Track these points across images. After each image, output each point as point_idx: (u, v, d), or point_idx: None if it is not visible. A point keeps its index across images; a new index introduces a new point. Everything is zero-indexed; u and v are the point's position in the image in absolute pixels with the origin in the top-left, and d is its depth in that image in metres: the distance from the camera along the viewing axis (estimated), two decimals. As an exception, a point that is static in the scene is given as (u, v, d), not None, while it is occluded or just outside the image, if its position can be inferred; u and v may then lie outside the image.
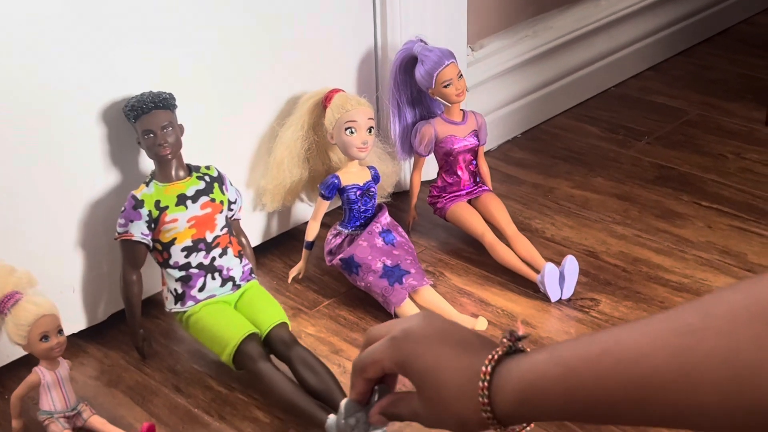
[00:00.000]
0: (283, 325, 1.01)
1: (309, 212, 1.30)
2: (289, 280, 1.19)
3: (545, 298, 1.14)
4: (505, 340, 0.68)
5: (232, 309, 1.03)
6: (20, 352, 1.03)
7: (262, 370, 0.95)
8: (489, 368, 0.65)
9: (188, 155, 1.05)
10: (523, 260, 1.18)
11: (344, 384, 0.95)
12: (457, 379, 0.66)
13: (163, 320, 1.14)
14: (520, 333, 0.69)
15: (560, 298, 1.14)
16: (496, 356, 0.66)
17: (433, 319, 0.70)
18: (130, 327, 1.05)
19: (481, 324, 1.04)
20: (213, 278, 1.03)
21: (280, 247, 1.29)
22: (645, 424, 0.64)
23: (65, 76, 1.00)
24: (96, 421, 0.94)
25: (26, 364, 1.05)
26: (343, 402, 0.67)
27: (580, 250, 1.25)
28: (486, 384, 0.65)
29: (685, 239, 1.26)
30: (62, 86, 1.00)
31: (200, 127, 1.09)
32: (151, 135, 0.99)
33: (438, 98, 1.22)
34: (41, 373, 0.92)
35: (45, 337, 0.91)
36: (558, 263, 1.14)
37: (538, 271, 1.16)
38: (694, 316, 0.60)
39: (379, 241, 1.14)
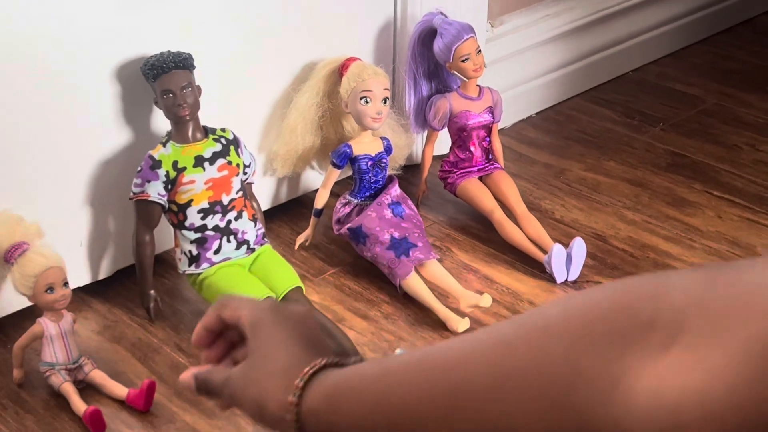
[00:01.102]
0: (298, 289, 1.02)
1: (319, 180, 1.30)
2: (296, 247, 1.19)
3: (551, 278, 1.14)
4: (354, 359, 0.68)
5: (247, 272, 1.03)
6: (24, 303, 1.03)
7: (274, 334, 0.95)
8: (314, 369, 0.65)
9: (202, 117, 1.04)
10: (531, 240, 1.18)
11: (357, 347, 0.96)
12: (286, 363, 0.67)
13: (168, 279, 1.14)
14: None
15: (566, 280, 1.14)
16: (326, 362, 0.66)
17: (306, 314, 0.72)
18: (141, 287, 1.05)
19: (485, 301, 1.04)
20: (228, 241, 1.03)
21: (288, 213, 1.29)
22: None
23: (84, 32, 0.99)
24: (97, 375, 0.94)
25: (30, 315, 1.05)
26: None
27: (588, 232, 1.24)
28: (301, 383, 0.65)
29: (694, 228, 1.26)
30: (81, 42, 0.99)
31: (215, 89, 1.09)
32: (170, 95, 0.98)
33: (455, 72, 1.22)
34: (45, 324, 0.92)
35: (50, 289, 0.91)
36: (566, 245, 1.14)
37: (545, 252, 1.16)
38: (510, 327, 0.58)
39: (388, 213, 1.14)
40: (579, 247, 1.13)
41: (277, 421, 0.69)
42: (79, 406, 0.90)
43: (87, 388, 0.94)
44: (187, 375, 0.81)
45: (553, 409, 0.54)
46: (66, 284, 0.92)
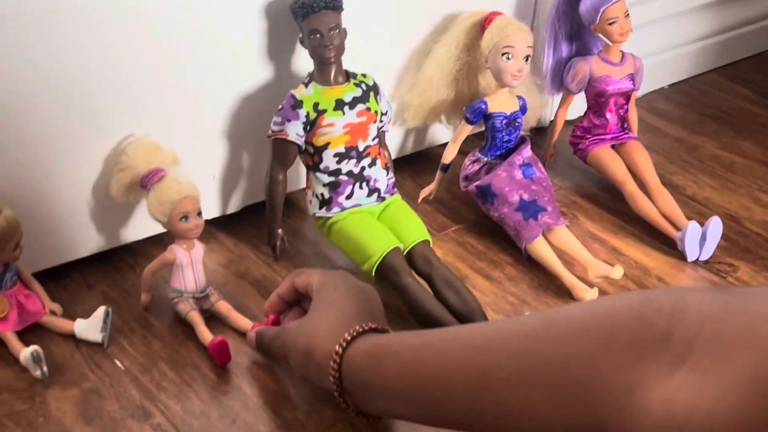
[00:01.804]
0: (425, 242, 1.00)
1: (446, 134, 1.28)
2: (419, 201, 1.17)
3: (682, 256, 1.10)
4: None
5: (376, 220, 1.02)
6: (154, 230, 1.05)
7: (407, 284, 0.95)
8: (364, 329, 0.74)
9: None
10: (663, 215, 1.14)
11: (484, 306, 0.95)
12: (340, 321, 0.76)
13: (293, 220, 1.14)
14: None
15: (697, 259, 1.10)
16: (377, 326, 0.76)
17: (371, 289, 0.83)
18: (269, 225, 1.05)
19: (616, 272, 1.01)
20: (360, 187, 1.02)
21: (413, 165, 1.27)
22: (478, 423, 0.65)
23: (235, -37, 0.99)
24: (222, 306, 0.95)
25: (158, 242, 1.07)
26: None
27: (720, 212, 1.20)
28: (349, 338, 0.74)
29: (834, 218, 1.20)
30: (230, -27, 0.99)
31: (355, 33, 1.07)
32: (318, 35, 0.97)
33: (599, 35, 1.18)
34: (176, 252, 0.93)
35: (185, 218, 0.92)
36: (699, 223, 1.10)
37: (677, 228, 1.12)
38: (539, 323, 0.62)
39: (519, 174, 1.12)
40: (715, 226, 1.09)
41: (321, 368, 0.75)
42: (206, 335, 0.90)
43: (210, 319, 0.94)
44: (252, 332, 0.88)
45: (570, 405, 0.57)
46: (200, 214, 0.93)
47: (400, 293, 0.96)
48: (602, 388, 0.55)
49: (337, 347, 0.73)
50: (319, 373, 0.76)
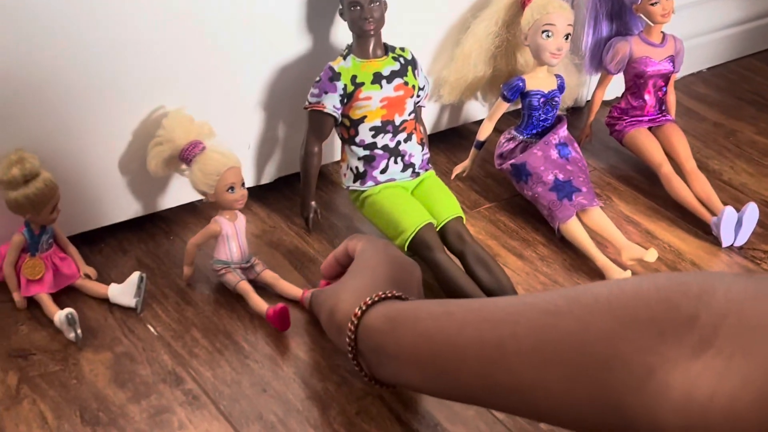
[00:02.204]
0: (459, 219, 1.00)
1: (481, 111, 1.28)
2: (452, 177, 1.17)
3: (716, 241, 1.09)
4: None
5: (410, 195, 1.02)
6: (188, 198, 1.05)
7: (440, 260, 0.95)
8: (387, 296, 0.74)
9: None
10: (698, 199, 1.13)
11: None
12: (367, 285, 0.76)
13: (325, 193, 1.14)
14: None
15: (732, 245, 1.09)
16: (401, 295, 0.75)
17: (410, 261, 0.84)
18: (303, 197, 1.06)
19: (650, 255, 1.01)
20: (395, 162, 1.02)
21: (446, 142, 1.27)
22: (489, 397, 0.65)
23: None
24: (268, 275, 0.95)
25: (192, 210, 1.08)
26: None
27: (756, 199, 1.19)
28: (370, 302, 0.74)
29: None
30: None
31: (394, 6, 1.06)
32: (358, 8, 0.97)
33: (641, 15, 1.16)
34: (221, 223, 0.94)
35: (231, 188, 0.92)
36: (736, 208, 1.09)
37: (712, 213, 1.11)
38: (561, 300, 0.60)
39: (554, 153, 1.11)
40: (752, 212, 1.08)
41: (340, 329, 0.75)
42: (260, 303, 0.91)
43: (256, 288, 0.94)
44: (307, 293, 0.90)
45: (587, 383, 0.56)
46: (243, 184, 0.93)
47: (432, 269, 0.96)
48: (622, 367, 0.54)
49: (356, 309, 0.73)
50: (338, 334, 0.76)
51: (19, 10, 0.85)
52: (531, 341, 0.60)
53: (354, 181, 1.03)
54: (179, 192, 1.04)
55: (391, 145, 1.02)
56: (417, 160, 1.04)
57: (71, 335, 0.88)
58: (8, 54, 0.86)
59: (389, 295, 0.75)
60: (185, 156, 0.94)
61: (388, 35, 1.03)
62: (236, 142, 1.05)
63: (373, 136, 1.01)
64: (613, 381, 0.55)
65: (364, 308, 0.74)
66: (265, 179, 1.12)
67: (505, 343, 0.61)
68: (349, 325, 0.74)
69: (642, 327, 0.54)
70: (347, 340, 0.74)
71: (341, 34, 1.07)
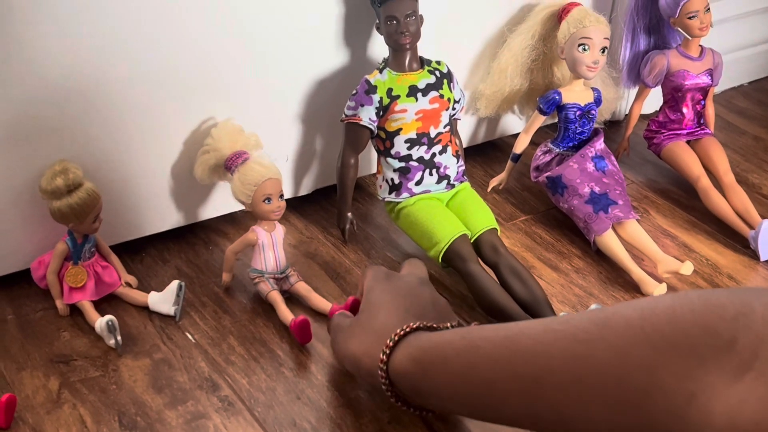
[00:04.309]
0: (493, 231, 1.01)
1: (518, 125, 1.28)
2: (488, 190, 1.18)
3: (754, 255, 1.09)
4: (447, 324, 0.75)
5: (445, 207, 1.03)
6: (228, 209, 1.07)
7: (474, 272, 0.95)
8: (406, 331, 0.73)
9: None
10: (736, 212, 1.13)
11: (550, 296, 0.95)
12: (385, 324, 0.75)
13: (362, 204, 1.16)
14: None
15: (770, 259, 1.08)
16: (419, 325, 0.74)
17: (416, 285, 0.82)
18: (339, 208, 1.07)
19: (686, 268, 1.00)
20: (430, 174, 1.03)
21: (483, 155, 1.28)
22: (534, 424, 0.63)
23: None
24: (302, 287, 0.96)
25: (232, 221, 1.10)
26: None
27: (797, 213, 1.18)
28: (391, 343, 0.73)
29: None
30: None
31: (430, 20, 1.08)
32: (394, 22, 0.98)
33: (678, 29, 1.16)
34: (258, 233, 0.95)
35: (268, 199, 0.94)
36: (773, 222, 1.08)
37: (750, 226, 1.11)
38: (592, 326, 0.59)
39: (591, 166, 1.11)
40: (790, 226, 1.07)
41: (371, 375, 0.73)
42: (287, 314, 0.92)
43: (289, 299, 0.96)
44: (331, 317, 0.88)
45: (629, 413, 0.55)
46: (281, 196, 0.94)
47: (466, 280, 0.96)
48: (662, 396, 0.53)
49: (381, 355, 0.73)
50: (371, 379, 0.76)
51: (68, 22, 0.88)
52: (568, 375, 0.59)
53: (389, 193, 1.04)
54: (219, 202, 1.06)
55: (426, 157, 1.03)
56: (452, 172, 1.05)
57: (111, 342, 0.90)
58: (56, 65, 0.89)
59: (407, 330, 0.74)
60: (229, 165, 0.96)
61: (424, 49, 1.04)
62: (276, 154, 1.07)
63: (409, 148, 1.02)
64: (654, 410, 0.54)
65: (388, 352, 0.73)
66: (303, 191, 1.13)
67: (541, 378, 0.61)
68: (380, 372, 0.73)
69: (680, 354, 0.53)
70: (383, 387, 0.74)
71: (378, 48, 1.08)
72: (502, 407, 0.64)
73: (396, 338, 0.73)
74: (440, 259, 0.98)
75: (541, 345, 0.61)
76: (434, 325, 0.75)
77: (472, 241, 1.00)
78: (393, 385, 0.74)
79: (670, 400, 0.53)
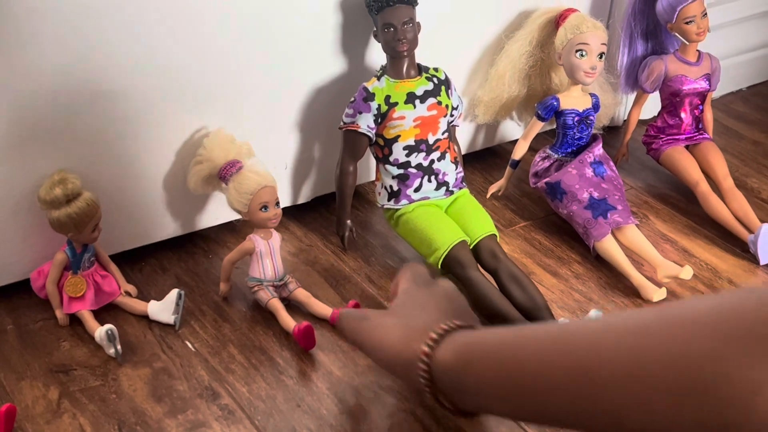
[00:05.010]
0: (492, 237, 1.01)
1: (516, 131, 1.28)
2: (488, 196, 1.18)
3: (753, 259, 1.09)
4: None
5: (444, 213, 1.03)
6: (227, 218, 1.07)
7: (473, 278, 0.95)
8: (450, 327, 0.70)
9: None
10: (735, 217, 1.13)
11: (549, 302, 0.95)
12: (426, 320, 0.72)
13: (361, 212, 1.16)
14: None
15: (770, 263, 1.08)
16: (463, 324, 0.71)
17: (453, 288, 0.79)
18: (338, 216, 1.07)
19: (686, 273, 1.00)
20: (429, 180, 1.03)
21: (482, 161, 1.28)
22: (584, 421, 0.60)
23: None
24: (301, 293, 0.96)
25: (231, 229, 1.10)
26: None
27: (796, 217, 1.18)
28: (435, 336, 0.69)
29: None
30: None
31: (429, 28, 1.08)
32: (392, 29, 0.99)
33: (676, 34, 1.17)
34: (255, 241, 0.95)
35: (264, 207, 0.94)
36: (772, 226, 1.08)
37: (750, 231, 1.10)
38: (653, 319, 0.57)
39: (589, 172, 1.11)
40: (789, 230, 1.07)
41: (407, 367, 0.71)
42: (289, 321, 0.92)
43: (288, 306, 0.96)
44: (337, 311, 0.86)
45: (694, 404, 0.54)
46: (278, 203, 0.94)
47: (466, 286, 0.96)
48: (728, 385, 0.53)
49: (424, 347, 0.70)
50: (405, 372, 0.73)
51: (65, 34, 0.88)
52: (624, 366, 0.57)
53: (388, 200, 1.04)
54: (217, 211, 1.06)
55: (425, 163, 1.03)
56: (451, 179, 1.05)
57: (111, 351, 0.90)
58: (54, 76, 0.89)
59: (452, 326, 0.71)
60: (223, 175, 0.96)
61: (422, 56, 1.04)
62: (274, 163, 1.07)
63: (407, 155, 1.02)
64: (719, 401, 0.53)
65: (432, 345, 0.70)
66: (302, 199, 1.14)
67: (593, 372, 0.58)
68: (420, 365, 0.70)
69: (747, 345, 0.53)
70: (422, 381, 0.70)
71: (376, 55, 1.08)
72: (549, 403, 0.62)
73: (441, 332, 0.70)
74: (439, 266, 0.98)
75: (594, 339, 0.60)
76: (476, 327, 0.74)
77: (471, 247, 1.00)
78: (433, 381, 0.71)
79: (736, 389, 0.52)
